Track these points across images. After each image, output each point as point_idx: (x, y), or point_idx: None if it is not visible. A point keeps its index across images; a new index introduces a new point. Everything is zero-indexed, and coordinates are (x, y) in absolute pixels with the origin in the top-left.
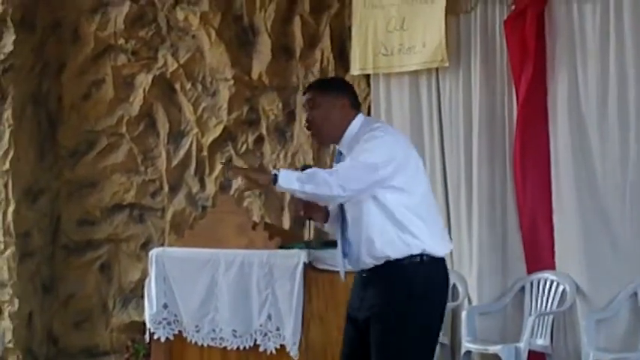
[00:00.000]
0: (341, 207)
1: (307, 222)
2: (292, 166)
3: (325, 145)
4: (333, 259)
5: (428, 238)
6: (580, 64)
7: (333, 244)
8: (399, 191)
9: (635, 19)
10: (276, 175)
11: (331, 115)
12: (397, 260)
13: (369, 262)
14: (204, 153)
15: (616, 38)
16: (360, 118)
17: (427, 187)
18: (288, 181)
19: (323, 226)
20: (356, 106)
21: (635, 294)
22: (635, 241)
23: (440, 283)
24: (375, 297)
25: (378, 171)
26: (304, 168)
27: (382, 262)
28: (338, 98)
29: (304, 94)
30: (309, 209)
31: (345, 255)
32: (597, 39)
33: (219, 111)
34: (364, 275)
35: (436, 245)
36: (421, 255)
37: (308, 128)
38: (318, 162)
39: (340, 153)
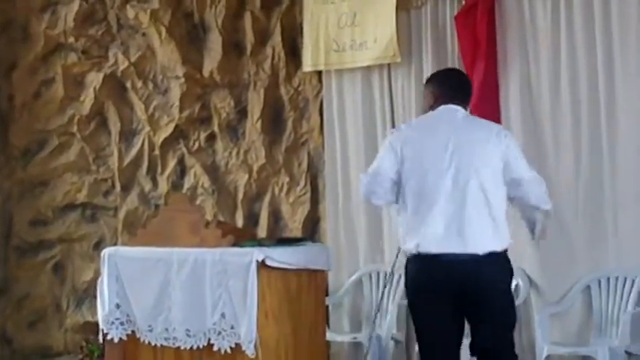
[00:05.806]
0: None
1: None
2: (245, 163)
3: None
4: (286, 257)
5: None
6: (532, 57)
7: (286, 242)
8: None
9: (585, 11)
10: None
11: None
12: None
13: None
14: (156, 152)
15: (567, 30)
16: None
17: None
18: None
19: None
20: (438, 97)
21: (588, 288)
22: (588, 235)
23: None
24: None
25: None
26: None
27: None
28: (426, 90)
29: None
30: None
31: None
32: (548, 31)
33: (170, 109)
34: None
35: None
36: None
37: None
38: (270, 160)
39: None
